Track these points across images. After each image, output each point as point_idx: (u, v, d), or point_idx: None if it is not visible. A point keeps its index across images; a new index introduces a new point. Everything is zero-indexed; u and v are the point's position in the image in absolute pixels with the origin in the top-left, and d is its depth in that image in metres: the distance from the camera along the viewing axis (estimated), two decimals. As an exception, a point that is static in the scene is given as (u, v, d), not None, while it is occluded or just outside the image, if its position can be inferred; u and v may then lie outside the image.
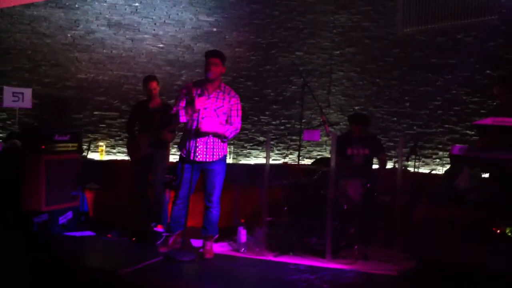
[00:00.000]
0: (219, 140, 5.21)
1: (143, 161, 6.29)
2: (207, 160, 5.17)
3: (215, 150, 5.18)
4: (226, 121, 5.24)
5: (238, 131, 5.31)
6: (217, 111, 5.15)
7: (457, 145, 4.90)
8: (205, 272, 4.90)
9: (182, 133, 5.59)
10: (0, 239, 5.48)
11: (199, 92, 5.05)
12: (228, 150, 8.40)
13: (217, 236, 5.36)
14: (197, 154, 5.11)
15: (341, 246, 5.42)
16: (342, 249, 5.40)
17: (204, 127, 5.05)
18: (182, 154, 5.26)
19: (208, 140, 5.15)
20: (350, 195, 5.95)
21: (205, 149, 5.14)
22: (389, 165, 7.74)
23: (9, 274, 4.54)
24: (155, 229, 6.21)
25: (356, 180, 6.07)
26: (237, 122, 5.26)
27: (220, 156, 5.24)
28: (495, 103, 7.03)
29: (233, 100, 5.24)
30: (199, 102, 4.98)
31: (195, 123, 5.05)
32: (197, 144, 5.10)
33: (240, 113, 5.28)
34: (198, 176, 5.30)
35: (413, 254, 5.17)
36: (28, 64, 8.25)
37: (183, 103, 5.16)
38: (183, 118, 5.12)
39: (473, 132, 7.57)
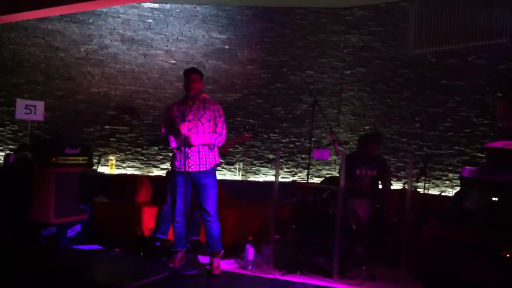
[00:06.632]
0: (209, 149, 5.35)
1: None
2: (201, 169, 5.26)
3: (207, 159, 5.31)
4: (214, 128, 5.38)
5: (223, 136, 5.43)
6: (201, 120, 5.31)
7: (467, 167, 4.89)
8: (211, 289, 4.90)
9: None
10: (9, 251, 5.50)
11: (179, 115, 5.27)
12: (237, 166, 8.39)
13: (222, 251, 5.36)
14: (190, 165, 5.22)
15: (349, 266, 5.40)
16: (349, 269, 5.38)
17: (193, 140, 5.21)
18: (175, 168, 5.33)
19: (200, 150, 5.28)
20: (359, 214, 5.94)
21: (197, 159, 5.27)
22: (399, 185, 7.71)
23: (16, 286, 4.55)
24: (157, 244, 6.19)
25: (365, 200, 6.06)
26: (220, 127, 5.40)
27: (212, 165, 5.35)
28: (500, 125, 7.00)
29: (215, 107, 5.43)
30: (183, 127, 5.19)
31: (183, 138, 5.23)
32: (189, 156, 5.23)
33: (223, 118, 5.43)
34: (191, 189, 5.35)
35: (420, 275, 5.14)
36: (41, 77, 8.33)
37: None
38: (173, 144, 5.30)
39: (483, 155, 7.53)
